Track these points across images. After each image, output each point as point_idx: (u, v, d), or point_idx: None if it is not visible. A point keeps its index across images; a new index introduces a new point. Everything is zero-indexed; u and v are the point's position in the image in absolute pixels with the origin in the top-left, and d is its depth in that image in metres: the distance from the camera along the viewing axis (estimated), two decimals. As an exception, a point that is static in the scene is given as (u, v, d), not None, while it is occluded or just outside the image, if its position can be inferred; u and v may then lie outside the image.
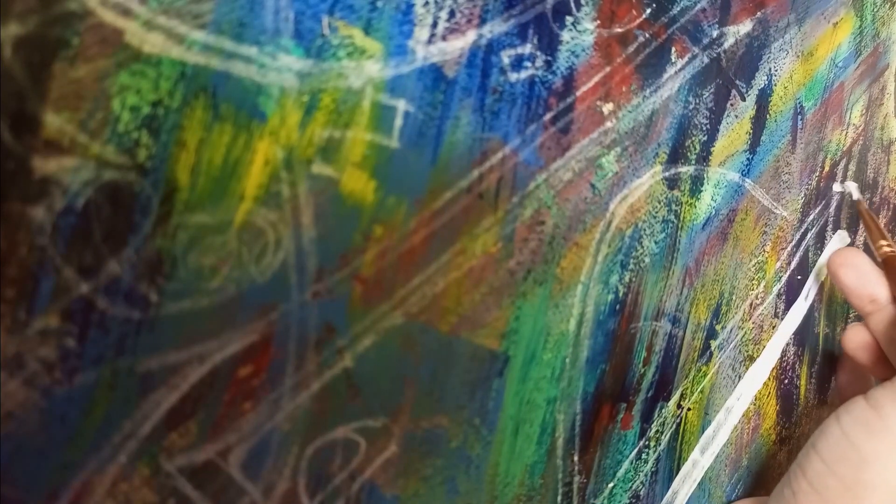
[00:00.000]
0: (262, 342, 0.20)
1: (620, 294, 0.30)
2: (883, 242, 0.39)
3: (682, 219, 0.32)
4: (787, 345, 0.41)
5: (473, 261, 0.25)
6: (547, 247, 0.27)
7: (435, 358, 0.24)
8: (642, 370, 0.31)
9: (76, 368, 0.17)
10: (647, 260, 0.31)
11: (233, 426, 0.20)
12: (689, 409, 0.34)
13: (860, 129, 0.46)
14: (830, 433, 0.29)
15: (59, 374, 0.17)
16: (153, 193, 0.18)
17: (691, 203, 0.33)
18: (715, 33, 0.34)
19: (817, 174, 0.42)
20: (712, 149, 0.34)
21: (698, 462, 0.34)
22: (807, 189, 0.41)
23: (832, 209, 0.44)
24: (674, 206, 0.32)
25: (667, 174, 0.32)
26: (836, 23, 0.42)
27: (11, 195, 0.16)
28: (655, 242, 0.31)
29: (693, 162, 0.33)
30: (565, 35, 0.27)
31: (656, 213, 0.31)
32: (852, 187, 0.44)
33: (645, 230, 0.31)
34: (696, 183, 0.33)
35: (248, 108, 0.20)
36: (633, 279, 0.30)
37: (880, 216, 0.49)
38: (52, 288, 0.17)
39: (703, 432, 0.34)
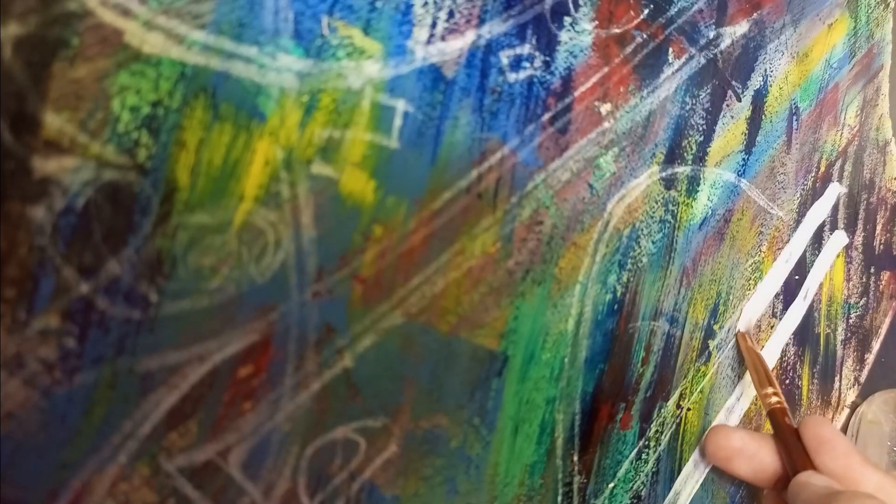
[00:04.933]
0: (262, 342, 0.20)
1: (618, 294, 0.30)
2: (769, 390, 0.34)
3: (678, 219, 0.32)
4: (787, 345, 0.41)
5: (472, 261, 0.25)
6: (545, 247, 0.27)
7: (434, 358, 0.24)
8: (641, 370, 0.31)
9: (76, 368, 0.17)
10: (644, 260, 0.31)
11: (233, 426, 0.20)
12: (688, 410, 0.34)
13: (855, 129, 0.46)
14: None
15: (59, 374, 0.17)
16: (153, 193, 0.18)
17: (688, 203, 0.33)
18: (712, 34, 0.34)
19: (813, 174, 0.42)
20: (708, 149, 0.34)
21: (700, 463, 0.34)
22: (802, 189, 0.41)
23: (829, 209, 0.44)
24: (671, 207, 0.32)
25: (664, 174, 0.32)
26: (831, 24, 0.42)
27: (12, 195, 0.16)
28: (653, 242, 0.31)
29: (689, 162, 0.33)
30: (563, 35, 0.27)
31: (653, 213, 0.31)
32: (742, 323, 0.38)
33: (642, 230, 0.31)
34: (693, 183, 0.33)
35: (248, 108, 0.20)
36: (631, 279, 0.30)
37: (878, 216, 0.49)
38: (52, 288, 0.17)
39: (703, 432, 0.34)
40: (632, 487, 0.31)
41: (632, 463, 0.31)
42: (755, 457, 0.32)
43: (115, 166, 0.18)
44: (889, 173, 0.51)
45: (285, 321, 0.21)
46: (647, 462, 0.32)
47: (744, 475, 0.33)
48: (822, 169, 0.43)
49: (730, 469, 0.33)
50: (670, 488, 0.33)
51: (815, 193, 0.42)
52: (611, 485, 0.30)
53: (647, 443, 0.32)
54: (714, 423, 0.35)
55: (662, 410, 0.32)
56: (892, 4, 0.48)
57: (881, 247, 0.51)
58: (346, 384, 0.22)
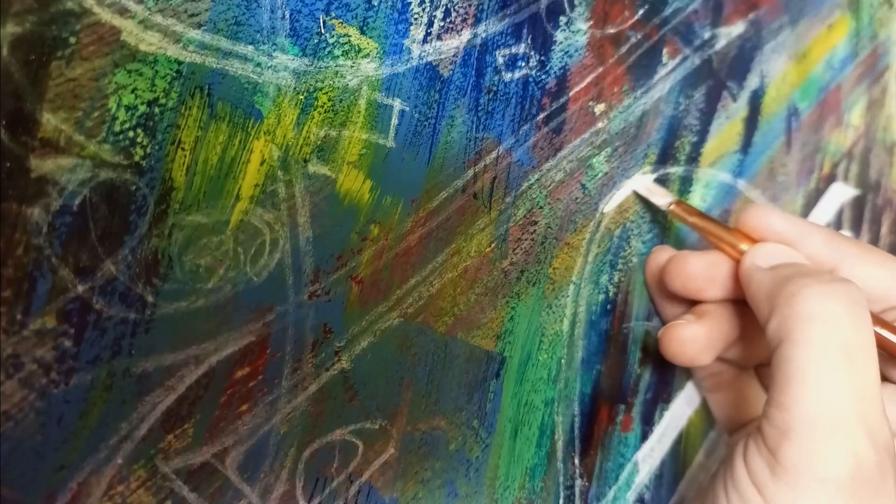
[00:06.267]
0: (259, 343, 0.20)
1: (611, 294, 0.30)
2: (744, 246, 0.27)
3: (670, 219, 0.32)
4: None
5: (468, 261, 0.25)
6: (539, 247, 0.27)
7: (432, 359, 0.24)
8: (639, 371, 0.31)
9: (73, 369, 0.17)
10: (635, 260, 0.31)
11: (229, 428, 0.20)
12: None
13: (861, 130, 0.46)
14: None
15: (56, 374, 0.17)
16: (149, 193, 0.18)
17: (680, 203, 0.33)
18: (707, 35, 0.34)
19: (816, 175, 0.42)
20: (702, 150, 0.34)
21: (704, 465, 0.34)
22: (805, 190, 0.41)
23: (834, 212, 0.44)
24: (662, 207, 0.32)
25: (655, 175, 0.32)
26: (831, 24, 0.42)
27: (8, 195, 0.16)
28: (643, 242, 0.31)
29: (682, 163, 0.33)
30: (559, 35, 0.28)
31: (644, 213, 0.31)
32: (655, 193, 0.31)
33: (633, 230, 0.31)
34: (685, 183, 0.33)
35: (245, 106, 0.20)
36: (623, 279, 0.30)
37: (883, 217, 0.49)
38: (49, 288, 0.17)
39: (707, 435, 0.34)
40: (635, 491, 0.31)
41: (635, 466, 0.31)
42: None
43: (111, 165, 0.18)
44: (896, 175, 0.50)
45: (282, 322, 0.21)
46: (650, 465, 0.31)
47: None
48: (826, 170, 0.43)
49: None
50: (674, 491, 0.33)
51: (818, 194, 0.42)
52: (613, 488, 0.30)
53: (649, 446, 0.32)
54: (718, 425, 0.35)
55: (664, 412, 0.32)
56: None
57: (887, 248, 0.51)
58: (343, 386, 0.22)
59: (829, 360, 0.21)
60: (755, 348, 0.28)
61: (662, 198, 0.30)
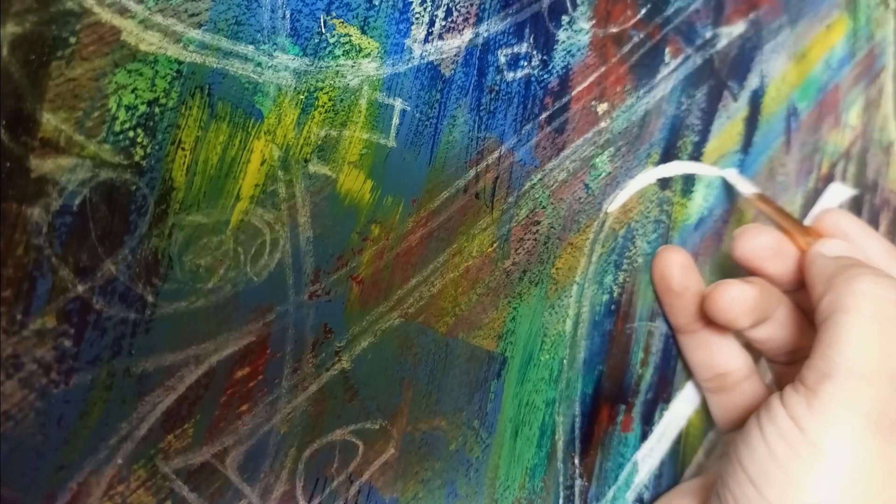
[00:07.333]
0: (259, 344, 0.20)
1: (615, 294, 0.30)
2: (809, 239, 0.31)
3: (673, 219, 0.32)
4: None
5: (470, 261, 0.25)
6: (542, 247, 0.27)
7: (432, 360, 0.24)
8: (640, 371, 0.31)
9: (73, 369, 0.17)
10: (639, 260, 0.31)
11: (230, 428, 0.20)
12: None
13: (858, 130, 0.46)
14: (755, 448, 0.25)
15: (56, 374, 0.17)
16: (149, 193, 0.18)
17: (683, 203, 0.33)
18: (708, 34, 0.34)
19: (814, 175, 0.42)
20: (704, 149, 0.34)
21: (703, 465, 0.34)
22: (804, 190, 0.41)
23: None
24: (665, 207, 0.32)
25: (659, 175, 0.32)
26: (830, 24, 0.42)
27: (8, 195, 0.16)
28: (648, 242, 0.31)
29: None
30: (561, 34, 0.28)
31: (648, 213, 0.31)
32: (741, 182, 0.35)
33: (637, 230, 0.31)
34: (688, 183, 0.33)
35: (245, 106, 0.20)
36: (627, 279, 0.30)
37: (881, 217, 0.49)
38: (49, 288, 0.17)
39: (706, 435, 0.34)
40: (634, 491, 0.31)
41: (634, 466, 0.31)
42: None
43: (111, 165, 0.18)
44: (893, 174, 0.51)
45: (282, 322, 0.21)
46: (649, 465, 0.31)
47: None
48: (825, 170, 0.43)
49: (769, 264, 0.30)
50: (672, 491, 0.33)
51: (817, 194, 0.42)
52: (613, 488, 0.30)
53: (649, 445, 0.32)
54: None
55: (664, 412, 0.32)
56: (892, 5, 0.48)
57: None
58: (343, 386, 0.22)
59: (872, 327, 0.24)
60: (783, 333, 0.31)
61: (748, 188, 0.34)
